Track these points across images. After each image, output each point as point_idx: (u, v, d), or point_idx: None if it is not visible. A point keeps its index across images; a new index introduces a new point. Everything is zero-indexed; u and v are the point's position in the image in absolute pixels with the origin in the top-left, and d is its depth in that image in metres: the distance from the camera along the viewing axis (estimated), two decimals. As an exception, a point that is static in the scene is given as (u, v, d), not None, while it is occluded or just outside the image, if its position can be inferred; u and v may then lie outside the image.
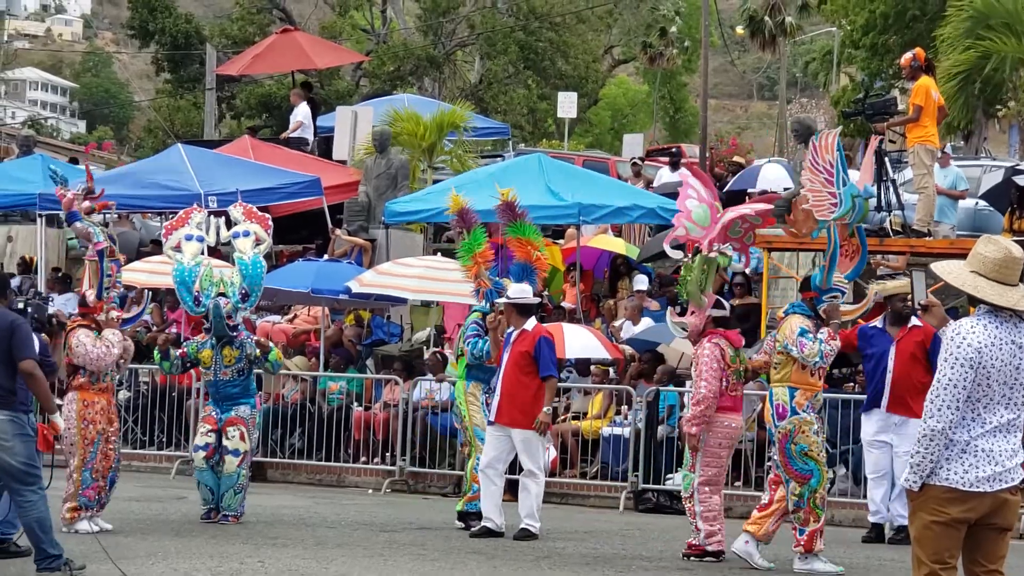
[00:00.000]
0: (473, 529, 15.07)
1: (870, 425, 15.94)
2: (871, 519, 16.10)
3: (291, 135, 31.21)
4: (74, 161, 35.01)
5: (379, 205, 25.61)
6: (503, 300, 15.05)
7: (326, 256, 25.09)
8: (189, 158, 26.52)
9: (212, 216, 16.50)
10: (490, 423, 14.98)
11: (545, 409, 14.81)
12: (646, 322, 21.66)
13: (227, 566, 12.51)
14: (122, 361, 14.92)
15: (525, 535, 14.80)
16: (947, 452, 8.07)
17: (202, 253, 15.72)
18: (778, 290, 25.26)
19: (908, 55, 21.31)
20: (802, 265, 24.07)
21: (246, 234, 15.93)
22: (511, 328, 15.04)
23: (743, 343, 14.40)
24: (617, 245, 25.16)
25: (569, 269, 24.74)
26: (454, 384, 19.82)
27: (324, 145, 31.04)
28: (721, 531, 13.85)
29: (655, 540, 15.27)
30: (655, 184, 30.96)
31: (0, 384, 11.73)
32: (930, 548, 8.17)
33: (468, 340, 15.55)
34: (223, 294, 15.35)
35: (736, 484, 18.53)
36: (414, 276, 21.26)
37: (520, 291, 15.02)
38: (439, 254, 23.84)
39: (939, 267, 8.73)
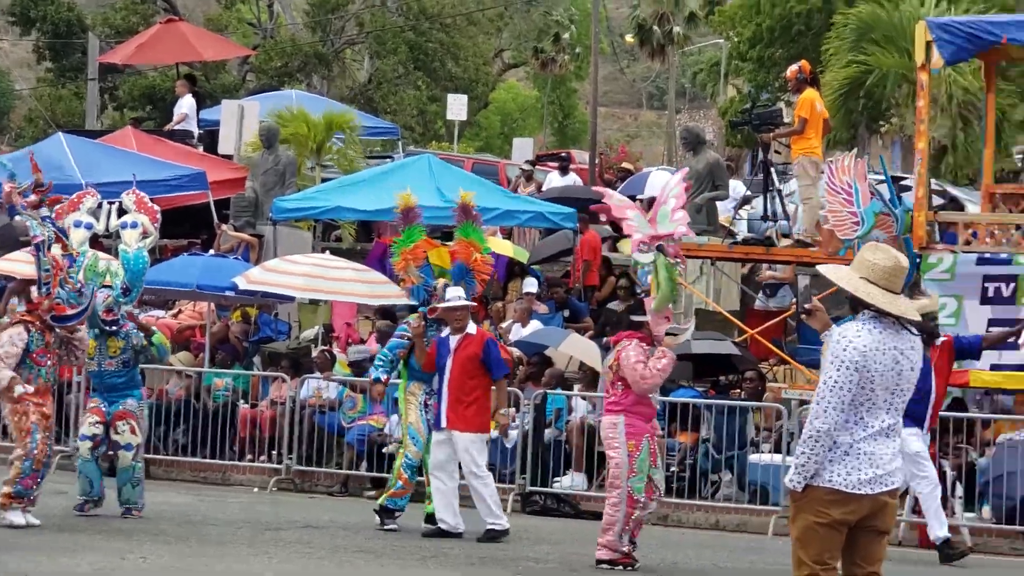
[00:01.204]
0: (425, 529, 15.14)
1: (917, 443, 14.99)
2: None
3: (175, 127, 30.91)
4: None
5: (266, 201, 25.48)
6: (442, 305, 15.10)
7: (212, 251, 24.93)
8: (70, 147, 26.12)
9: (105, 202, 16.39)
10: (437, 428, 15.08)
11: (503, 410, 15.06)
12: (535, 324, 21.77)
13: (108, 561, 12.42)
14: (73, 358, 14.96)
15: (494, 535, 14.92)
16: (830, 454, 8.21)
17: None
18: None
19: (794, 67, 21.63)
20: (690, 272, 24.35)
21: (134, 225, 15.70)
22: (448, 332, 15.15)
23: None
24: (505, 247, 25.24)
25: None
26: (343, 384, 19.95)
27: (209, 139, 30.75)
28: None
29: (542, 542, 15.32)
30: (544, 188, 31.09)
31: None
32: (812, 549, 8.26)
33: (394, 339, 15.82)
34: (108, 286, 15.26)
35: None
36: (302, 274, 21.15)
37: (454, 294, 15.16)
38: (327, 252, 23.79)
39: (828, 271, 8.90)
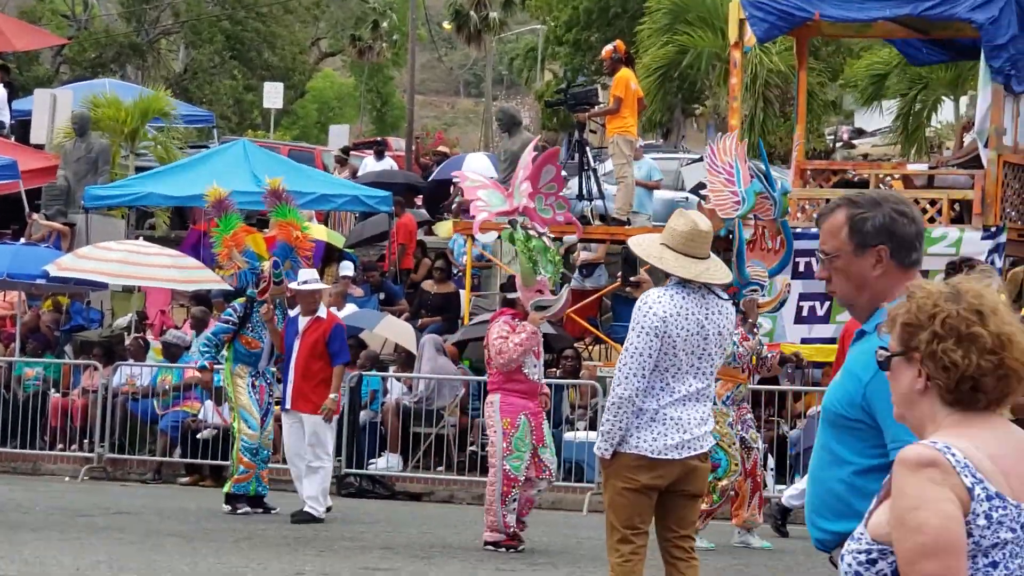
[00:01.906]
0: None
1: None
2: None
3: (-15, 116, 30.29)
4: None
5: (79, 190, 25.06)
6: (295, 286, 15.11)
7: (23, 240, 24.42)
8: None
9: None
10: (285, 411, 15.20)
11: (332, 396, 14.92)
12: (350, 307, 21.64)
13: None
14: None
15: (306, 517, 14.86)
16: (637, 421, 8.21)
17: None
18: (484, 278, 25.53)
19: (608, 47, 21.75)
20: (506, 253, 24.35)
21: None
22: (298, 313, 15.16)
23: None
24: (320, 232, 25.09)
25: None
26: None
27: (21, 129, 30.26)
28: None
29: (357, 523, 15.25)
30: (360, 173, 31.00)
31: None
32: (622, 514, 8.30)
33: (218, 323, 15.71)
34: None
35: (439, 468, 18.65)
36: (115, 260, 20.82)
37: (310, 276, 15.21)
38: (141, 239, 23.44)
39: (633, 241, 8.93)
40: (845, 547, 3.82)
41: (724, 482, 13.65)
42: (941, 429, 3.75)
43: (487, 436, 13.87)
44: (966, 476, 3.61)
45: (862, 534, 3.80)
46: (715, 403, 13.45)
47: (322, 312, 15.19)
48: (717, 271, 8.42)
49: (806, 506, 4.72)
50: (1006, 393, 3.78)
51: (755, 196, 13.98)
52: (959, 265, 9.02)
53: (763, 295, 14.34)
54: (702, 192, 16.20)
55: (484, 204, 13.79)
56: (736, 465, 13.75)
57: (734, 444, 13.73)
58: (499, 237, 14.19)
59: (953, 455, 3.62)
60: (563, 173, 14.60)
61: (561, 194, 14.29)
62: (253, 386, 15.42)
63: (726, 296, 8.53)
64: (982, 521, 3.62)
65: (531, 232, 13.43)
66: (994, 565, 3.68)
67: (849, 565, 3.77)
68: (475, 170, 29.44)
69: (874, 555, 3.73)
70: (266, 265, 15.39)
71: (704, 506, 13.60)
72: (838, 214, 5.00)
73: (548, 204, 13.82)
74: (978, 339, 3.72)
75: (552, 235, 14.09)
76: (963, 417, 3.77)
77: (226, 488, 15.66)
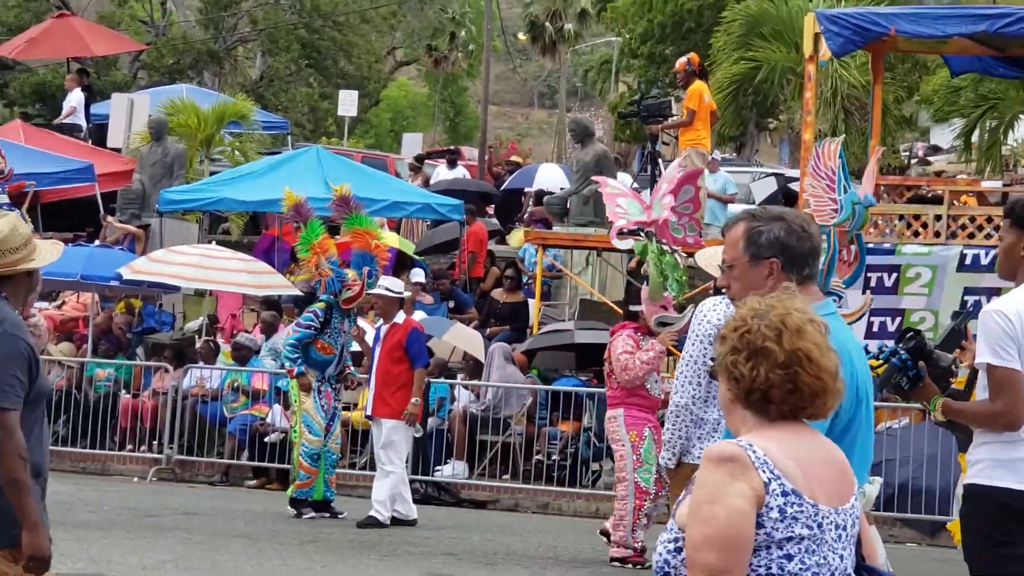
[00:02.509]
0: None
1: None
2: None
3: (63, 121, 30.62)
4: None
5: (153, 194, 25.21)
6: (379, 291, 15.26)
7: (97, 243, 24.65)
8: (-43, 139, 25.85)
9: None
10: (368, 417, 15.41)
11: (414, 400, 15.02)
12: (419, 315, 21.65)
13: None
14: None
15: (371, 522, 14.91)
16: (699, 431, 8.24)
17: None
18: (554, 288, 25.55)
19: (683, 60, 21.75)
20: (576, 263, 24.37)
21: None
22: (380, 322, 15.42)
23: None
24: (391, 239, 25.19)
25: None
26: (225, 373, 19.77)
27: (98, 133, 30.53)
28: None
29: (422, 528, 15.27)
30: (432, 181, 31.07)
31: None
32: None
33: (298, 329, 15.79)
34: None
35: (504, 477, 18.67)
36: (188, 264, 20.94)
37: (393, 283, 15.47)
38: (214, 244, 23.59)
39: (699, 255, 8.97)
40: (659, 538, 4.11)
41: None
42: (751, 432, 4.05)
43: (612, 451, 13.73)
44: (764, 472, 3.92)
45: (672, 524, 4.09)
46: None
47: (399, 318, 15.29)
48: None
49: None
50: (800, 406, 4.08)
51: (853, 205, 13.80)
52: None
53: (841, 306, 14.16)
54: (805, 197, 15.90)
55: (623, 212, 13.72)
56: None
57: None
58: (632, 249, 13.98)
59: (754, 452, 3.94)
60: (701, 195, 14.38)
61: (695, 216, 14.20)
62: (319, 391, 15.53)
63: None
64: (775, 514, 3.93)
65: (665, 247, 13.20)
66: (788, 558, 3.97)
67: (660, 554, 4.06)
68: (548, 180, 29.67)
69: (680, 543, 4.00)
70: (352, 273, 15.50)
71: None
72: (739, 226, 5.27)
73: (681, 224, 13.70)
74: (769, 354, 4.04)
75: (684, 254, 13.84)
76: (769, 423, 4.07)
77: (289, 493, 15.76)
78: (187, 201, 24.57)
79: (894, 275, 18.21)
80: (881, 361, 7.32)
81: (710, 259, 8.84)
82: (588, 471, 18.46)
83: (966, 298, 17.20)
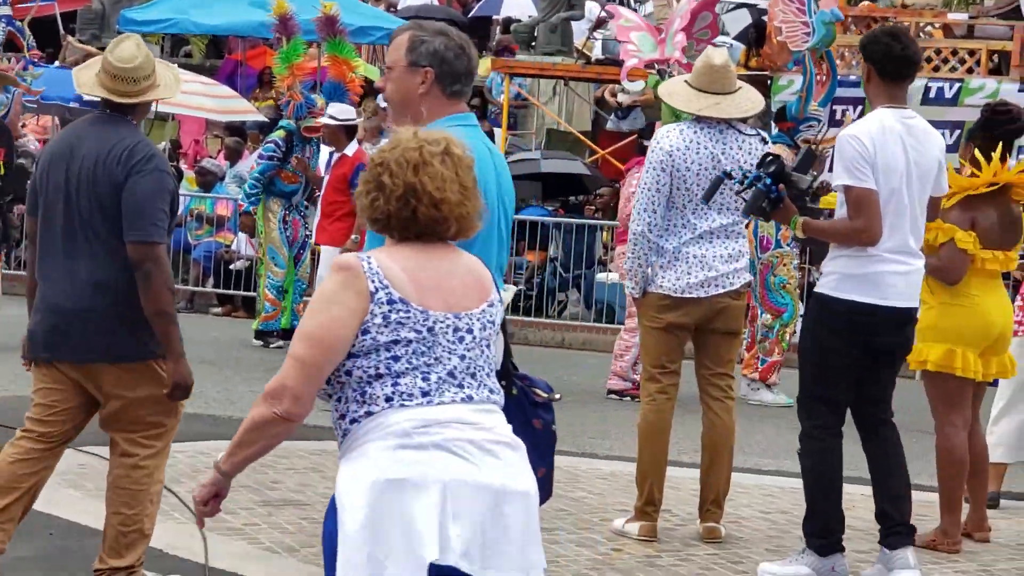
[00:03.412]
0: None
1: None
2: None
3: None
4: None
5: (113, 14, 24.99)
6: (325, 120, 14.92)
7: (57, 64, 24.41)
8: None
9: None
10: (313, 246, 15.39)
11: (353, 237, 14.68)
12: (384, 141, 21.62)
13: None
14: None
15: None
16: (660, 260, 8.32)
17: None
18: (521, 117, 25.48)
19: None
20: (543, 93, 24.30)
21: None
22: (332, 149, 15.16)
23: None
24: (370, 72, 25.04)
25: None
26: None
27: (57, -51, 30.08)
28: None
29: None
30: (400, 7, 30.78)
31: None
32: (651, 353, 8.54)
33: (260, 160, 15.63)
34: None
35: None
36: None
37: (343, 111, 15.01)
38: (176, 67, 23.36)
39: (662, 87, 9.03)
40: None
41: (790, 327, 13.60)
42: (382, 249, 4.53)
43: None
44: (372, 281, 4.39)
45: None
46: (780, 246, 13.48)
47: (350, 149, 15.05)
48: (734, 106, 8.46)
49: None
50: (420, 232, 4.50)
51: (825, 26, 13.70)
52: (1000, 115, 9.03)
53: (821, 131, 14.07)
54: (776, 24, 15.67)
55: (635, 49, 13.62)
56: (799, 309, 13.62)
57: (797, 289, 13.74)
58: (645, 83, 13.86)
59: (368, 264, 4.41)
60: (718, 21, 14.25)
61: (714, 42, 14.06)
62: (284, 221, 15.44)
63: (751, 131, 8.53)
64: (379, 320, 4.40)
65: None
66: (395, 359, 4.41)
67: None
68: (514, 6, 29.44)
69: None
70: (321, 101, 15.26)
71: (776, 357, 13.69)
72: (405, 34, 5.56)
73: (698, 51, 13.56)
74: (385, 188, 4.47)
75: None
76: (397, 243, 4.52)
77: (254, 326, 15.80)
78: (148, 23, 24.25)
79: (859, 108, 18.22)
80: (745, 186, 7.77)
81: (667, 86, 8.85)
82: (555, 301, 18.60)
83: None
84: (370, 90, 24.09)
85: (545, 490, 5.13)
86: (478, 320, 4.54)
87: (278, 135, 15.60)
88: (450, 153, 4.54)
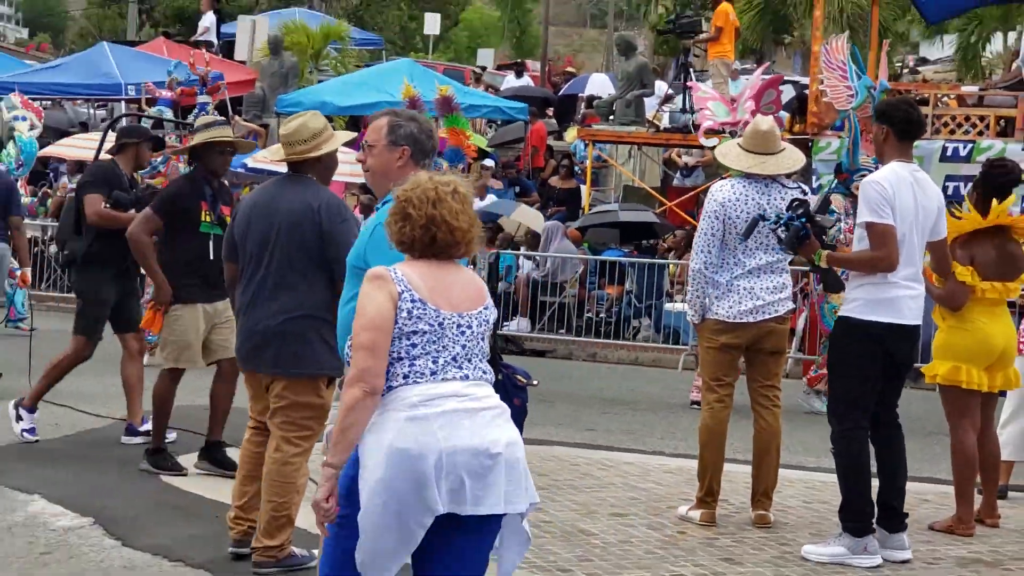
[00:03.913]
0: None
1: None
2: None
3: (199, 39, 30.59)
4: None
5: (272, 98, 25.24)
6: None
7: (227, 137, 24.67)
8: (113, 54, 25.94)
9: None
10: None
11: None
12: (491, 198, 21.71)
13: None
14: None
15: None
16: (715, 292, 8.28)
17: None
18: (602, 176, 25.46)
19: (713, -20, 21.48)
20: (620, 156, 24.25)
21: (23, 119, 16.31)
22: None
23: None
24: (478, 140, 25.19)
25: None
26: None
27: (227, 48, 30.53)
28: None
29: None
30: (503, 88, 30.93)
31: None
32: (709, 369, 8.46)
33: None
34: None
35: (560, 331, 18.77)
36: None
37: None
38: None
39: (718, 149, 9.00)
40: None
41: None
42: (404, 264, 4.82)
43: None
44: (399, 285, 4.73)
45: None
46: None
47: None
48: (778, 164, 8.39)
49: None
50: (436, 253, 4.83)
51: (867, 89, 13.54)
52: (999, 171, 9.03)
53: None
54: (821, 88, 15.52)
55: (711, 113, 13.55)
56: None
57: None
58: (719, 140, 13.75)
59: (395, 273, 4.76)
60: (781, 96, 13.99)
61: (778, 115, 13.86)
62: None
63: (793, 185, 8.46)
64: (404, 315, 4.72)
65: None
66: (413, 345, 4.73)
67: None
68: (598, 86, 29.43)
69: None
70: (446, 165, 15.14)
71: (824, 370, 13.45)
72: (383, 119, 5.90)
73: (772, 101, 13.41)
74: (411, 218, 4.80)
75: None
76: (415, 260, 4.83)
77: None
78: (299, 104, 24.52)
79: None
80: (782, 225, 7.79)
81: (721, 148, 8.79)
82: (629, 327, 18.55)
83: (947, 184, 16.99)
84: (481, 155, 24.21)
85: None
86: (476, 319, 4.83)
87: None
88: (458, 191, 4.85)
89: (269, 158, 21.15)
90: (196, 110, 15.86)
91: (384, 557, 4.72)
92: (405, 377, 4.73)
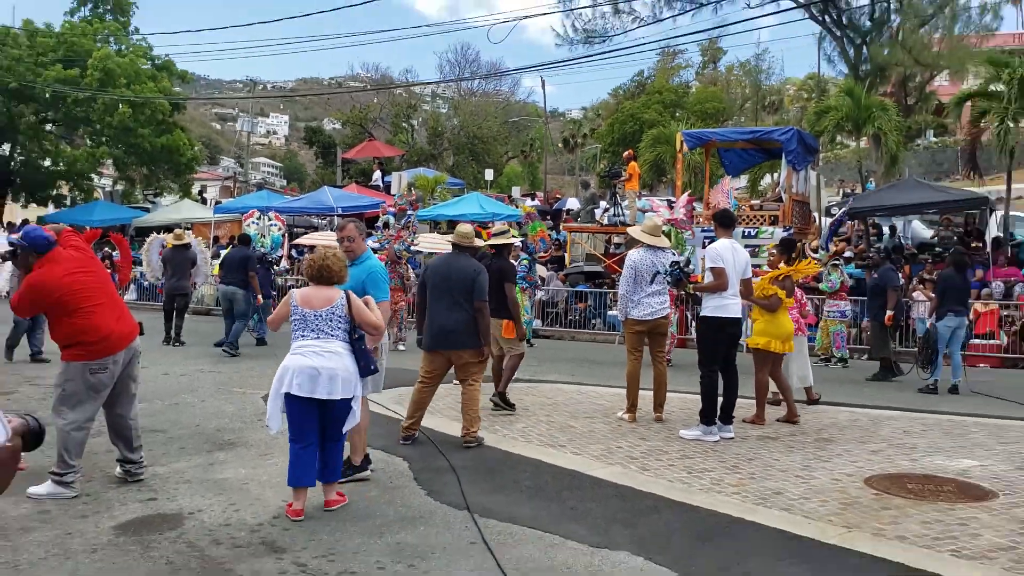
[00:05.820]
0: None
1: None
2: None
3: (372, 183, 30.58)
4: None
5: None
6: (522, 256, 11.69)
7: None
8: (331, 193, 25.90)
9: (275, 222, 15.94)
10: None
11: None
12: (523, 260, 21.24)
13: None
14: None
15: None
16: (631, 305, 8.09)
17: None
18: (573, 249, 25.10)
19: (626, 153, 21.50)
20: (583, 238, 24.09)
21: (275, 225, 15.74)
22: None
23: None
24: (544, 233, 23.85)
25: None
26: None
27: (387, 189, 29.75)
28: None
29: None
30: (529, 205, 30.68)
31: None
32: (629, 343, 8.19)
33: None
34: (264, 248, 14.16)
35: (556, 325, 18.11)
36: (433, 242, 19.21)
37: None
38: (435, 234, 23.29)
39: (632, 230, 8.97)
40: None
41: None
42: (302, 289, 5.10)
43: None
44: (293, 299, 5.11)
45: None
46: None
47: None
48: (662, 242, 8.27)
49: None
50: (319, 281, 5.12)
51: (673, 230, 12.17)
52: (788, 241, 9.29)
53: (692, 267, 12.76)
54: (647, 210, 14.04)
55: (657, 215, 12.44)
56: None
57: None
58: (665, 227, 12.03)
59: (292, 293, 5.14)
60: (690, 209, 12.32)
61: (688, 218, 12.64)
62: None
63: (671, 252, 8.33)
64: (292, 311, 5.15)
65: (678, 229, 12.15)
66: (296, 327, 5.07)
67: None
68: (572, 204, 29.13)
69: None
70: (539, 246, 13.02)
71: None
72: (352, 223, 5.77)
73: (685, 220, 12.59)
74: (309, 266, 5.18)
75: (689, 233, 12.67)
76: (309, 285, 5.12)
77: None
78: (427, 216, 24.57)
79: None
80: (668, 274, 7.65)
81: (635, 231, 8.61)
82: (591, 323, 17.92)
83: (747, 247, 16.52)
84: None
85: (369, 372, 5.36)
86: (325, 313, 5.18)
87: (524, 263, 11.96)
88: (336, 255, 5.25)
89: (438, 243, 20.05)
90: (405, 216, 14.09)
91: (273, 410, 5.15)
92: (294, 338, 5.24)
